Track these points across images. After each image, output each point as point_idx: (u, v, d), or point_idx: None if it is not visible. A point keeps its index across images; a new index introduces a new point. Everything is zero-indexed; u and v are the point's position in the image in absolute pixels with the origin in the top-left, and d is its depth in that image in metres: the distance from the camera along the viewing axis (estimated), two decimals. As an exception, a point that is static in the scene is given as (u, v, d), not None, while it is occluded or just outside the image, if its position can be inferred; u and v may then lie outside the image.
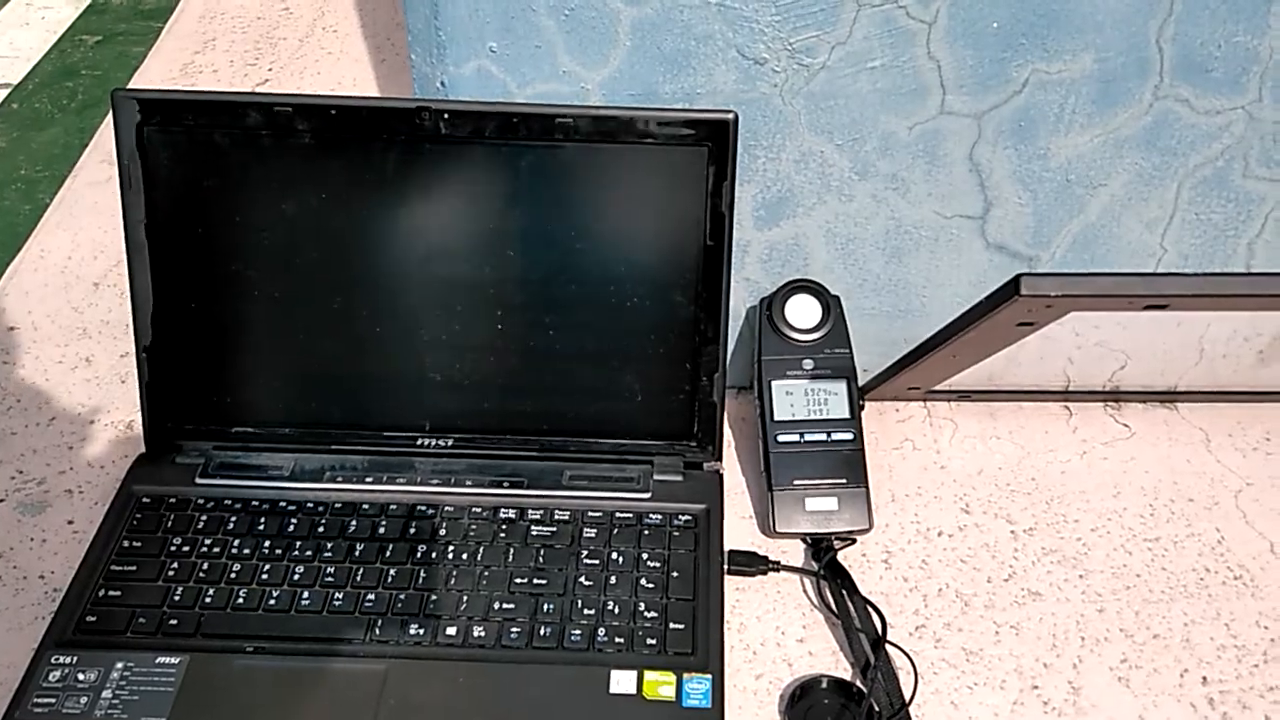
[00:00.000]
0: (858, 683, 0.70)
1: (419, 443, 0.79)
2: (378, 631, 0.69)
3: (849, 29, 0.73)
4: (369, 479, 0.78)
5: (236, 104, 0.73)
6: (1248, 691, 0.70)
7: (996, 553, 0.79)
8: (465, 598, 0.71)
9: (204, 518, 0.75)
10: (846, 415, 0.80)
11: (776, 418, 0.80)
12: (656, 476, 0.78)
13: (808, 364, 0.81)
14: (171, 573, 0.72)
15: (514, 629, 0.69)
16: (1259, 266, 0.83)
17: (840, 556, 0.77)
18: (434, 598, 0.71)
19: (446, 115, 0.72)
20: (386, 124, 0.72)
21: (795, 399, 0.80)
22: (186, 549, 0.73)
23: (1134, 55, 0.74)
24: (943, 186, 0.80)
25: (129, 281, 0.75)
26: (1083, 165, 0.79)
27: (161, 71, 1.22)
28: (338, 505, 0.76)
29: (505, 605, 0.71)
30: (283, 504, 0.76)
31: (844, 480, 0.78)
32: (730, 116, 0.71)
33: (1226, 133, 0.77)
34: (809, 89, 0.75)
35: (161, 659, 0.67)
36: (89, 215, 1.04)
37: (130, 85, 1.22)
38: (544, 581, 0.72)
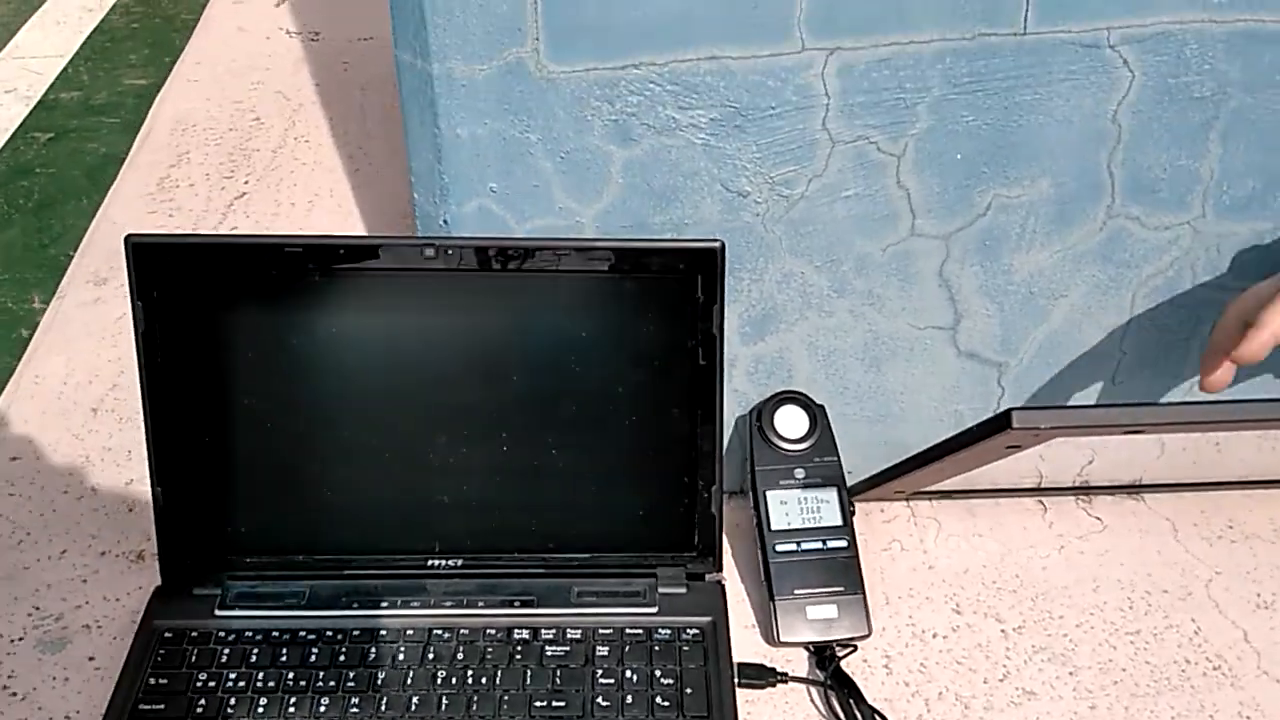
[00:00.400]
0: (869, 785, 0.73)
1: (429, 564, 0.82)
2: (405, 760, 0.71)
3: (825, 163, 0.79)
4: (384, 603, 0.80)
5: (248, 246, 0.76)
6: (1235, 773, 0.74)
7: (990, 653, 0.83)
8: (487, 721, 0.73)
9: (227, 651, 0.77)
10: (839, 522, 0.84)
11: (774, 527, 0.84)
12: (661, 589, 0.81)
13: (799, 473, 0.85)
14: (200, 710, 0.74)
15: (536, 751, 0.72)
16: (1211, 365, 0.89)
17: (844, 665, 0.80)
18: (456, 722, 0.73)
19: (450, 250, 0.76)
20: (393, 259, 0.76)
21: (790, 508, 0.84)
22: (212, 684, 0.75)
23: (1087, 180, 0.81)
24: (915, 301, 0.85)
25: (144, 420, 0.78)
26: (1044, 279, 0.85)
27: (138, 187, 1.25)
28: (356, 633, 0.78)
29: (527, 727, 0.73)
30: (302, 633, 0.78)
31: (842, 588, 0.82)
32: (717, 245, 0.76)
33: (1175, 245, 0.84)
34: (789, 217, 0.81)
35: (196, 794, 0.69)
36: (81, 338, 1.07)
37: (105, 202, 1.24)
38: (562, 704, 0.75)
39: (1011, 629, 0.85)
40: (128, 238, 0.76)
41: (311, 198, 1.23)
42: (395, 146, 0.78)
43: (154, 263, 0.75)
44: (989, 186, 0.80)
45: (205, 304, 0.76)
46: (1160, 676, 0.81)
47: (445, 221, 0.80)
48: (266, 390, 0.79)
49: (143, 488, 0.81)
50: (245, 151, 1.32)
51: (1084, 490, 0.95)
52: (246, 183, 1.26)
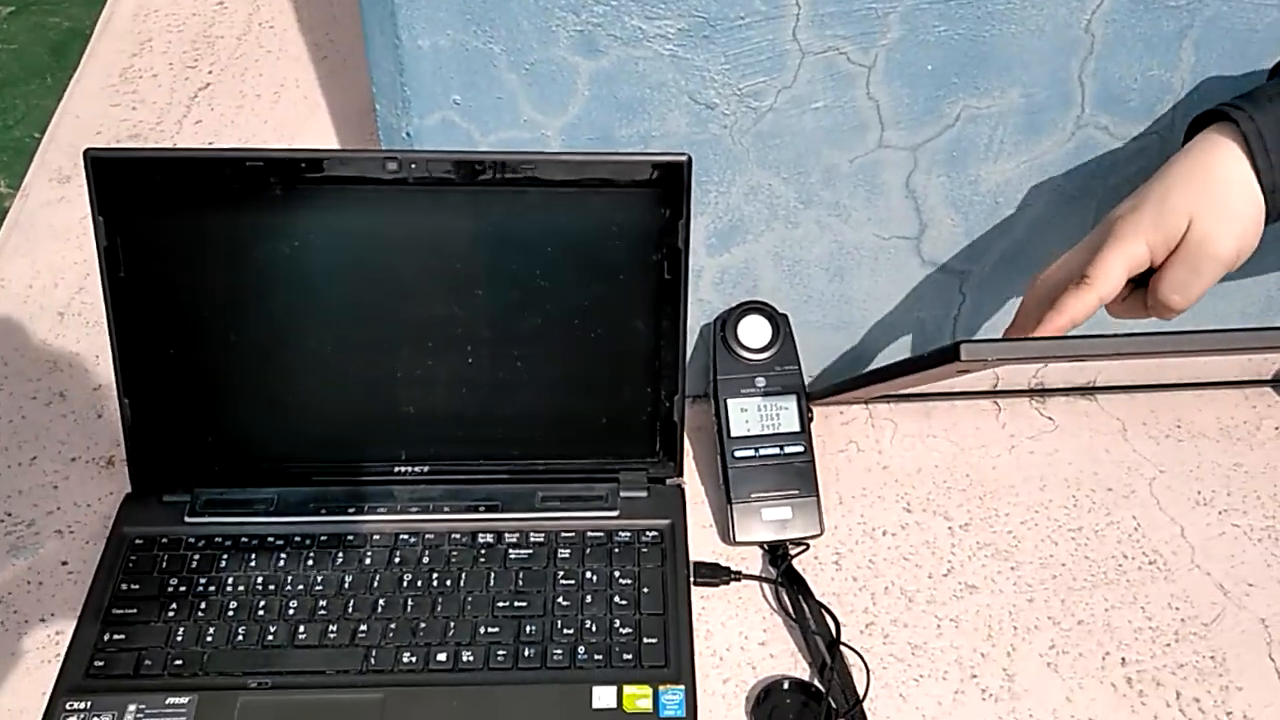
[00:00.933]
0: (816, 682, 0.77)
1: (396, 471, 0.83)
2: (373, 661, 0.74)
3: (794, 74, 0.77)
4: (351, 509, 0.82)
5: (209, 160, 0.75)
6: (1161, 670, 0.79)
7: (936, 549, 0.86)
8: (452, 624, 0.76)
9: (197, 557, 0.79)
10: (797, 429, 0.86)
11: (733, 434, 0.85)
12: (623, 493, 0.84)
13: (760, 381, 0.87)
14: (172, 613, 0.76)
15: (500, 651, 0.75)
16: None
17: (795, 562, 0.83)
18: (423, 625, 0.76)
19: (414, 164, 0.75)
20: (356, 173, 0.75)
21: (750, 415, 0.86)
22: (183, 589, 0.77)
23: (1058, 90, 0.80)
24: (881, 212, 0.85)
25: (109, 332, 0.78)
26: (1010, 189, 0.85)
27: (100, 78, 1.21)
28: (323, 538, 0.80)
29: (490, 629, 0.76)
30: (271, 539, 0.80)
31: (797, 491, 0.85)
32: (684, 159, 0.75)
33: (1141, 155, 0.83)
34: (757, 129, 0.80)
35: (171, 699, 0.72)
36: (46, 240, 1.05)
37: (67, 96, 1.20)
38: (525, 604, 0.77)
39: (958, 526, 0.88)
40: (87, 152, 0.74)
41: (277, 88, 1.20)
42: (361, 32, 0.76)
43: (114, 176, 0.74)
44: (959, 97, 0.79)
45: (168, 217, 0.75)
46: (1098, 570, 0.85)
47: (408, 134, 0.78)
48: (232, 302, 0.78)
49: (112, 394, 0.81)
50: (209, 39, 1.27)
51: (1039, 392, 0.97)
52: (210, 73, 1.22)
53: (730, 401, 0.86)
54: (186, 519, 0.81)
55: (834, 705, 0.74)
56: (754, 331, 0.88)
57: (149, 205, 0.75)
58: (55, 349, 0.96)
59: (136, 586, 0.78)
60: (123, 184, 0.74)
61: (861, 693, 0.75)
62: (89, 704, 0.72)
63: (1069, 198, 0.86)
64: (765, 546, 0.85)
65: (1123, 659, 0.79)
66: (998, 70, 0.78)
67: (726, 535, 0.85)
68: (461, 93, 0.76)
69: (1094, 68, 0.79)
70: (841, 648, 0.78)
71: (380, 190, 0.75)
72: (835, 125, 0.80)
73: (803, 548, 0.84)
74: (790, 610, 0.81)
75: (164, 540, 0.80)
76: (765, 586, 0.83)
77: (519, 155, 0.75)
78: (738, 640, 0.80)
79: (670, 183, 0.76)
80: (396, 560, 0.79)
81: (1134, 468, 0.92)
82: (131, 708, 0.71)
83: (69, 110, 1.19)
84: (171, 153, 0.76)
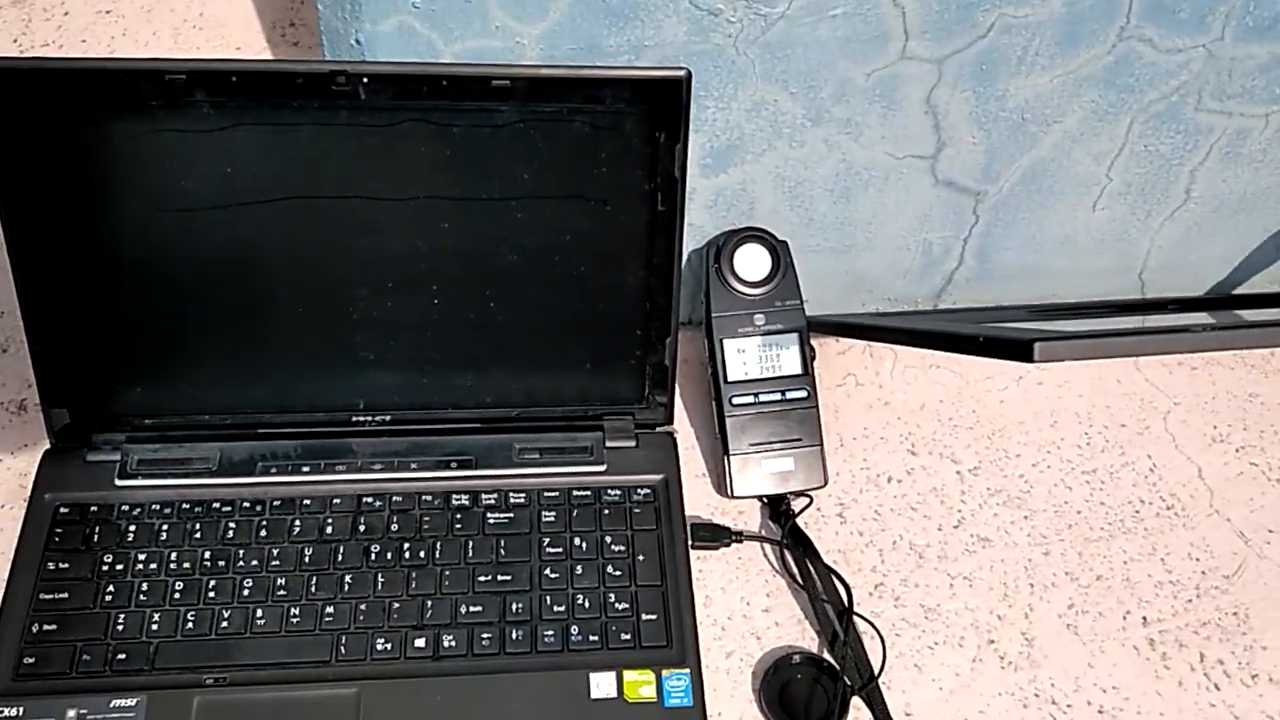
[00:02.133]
0: (827, 655, 0.71)
1: (354, 421, 0.74)
2: (343, 650, 0.67)
3: (811, -24, 0.67)
4: (305, 467, 0.73)
5: (119, 71, 0.63)
6: (1183, 629, 0.74)
7: (945, 497, 0.80)
8: (430, 603, 0.69)
9: (133, 528, 0.70)
10: (800, 371, 0.78)
11: (730, 378, 0.77)
12: (609, 443, 0.76)
13: (759, 319, 0.78)
14: (109, 597, 0.67)
15: (485, 634, 0.68)
16: (1197, 192, 0.83)
17: (798, 516, 0.77)
18: (396, 606, 0.68)
19: (366, 79, 0.64)
20: (298, 89, 0.63)
21: (748, 357, 0.78)
22: (120, 567, 0.69)
23: (1102, -3, 0.70)
24: (897, 129, 0.76)
25: (10, 264, 0.67)
26: (1039, 104, 0.76)
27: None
28: (276, 502, 0.72)
29: (472, 608, 0.69)
30: (216, 504, 0.71)
31: (800, 439, 0.77)
32: (682, 74, 0.65)
33: (1185, 70, 0.75)
34: (765, 39, 0.69)
35: (117, 701, 0.64)
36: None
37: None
38: (508, 577, 0.70)
39: (967, 470, 0.82)
40: None
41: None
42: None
43: (8, 90, 0.62)
44: (995, 5, 0.70)
45: (73, 139, 0.64)
46: (1114, 519, 0.80)
47: (358, 42, 0.67)
48: (157, 237, 0.68)
49: (19, 322, 0.70)
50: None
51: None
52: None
53: (727, 342, 0.78)
54: (118, 482, 0.71)
55: (849, 683, 0.69)
56: (752, 262, 0.79)
57: (51, 125, 0.63)
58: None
59: (66, 566, 0.68)
60: (18, 99, 0.62)
61: (876, 668, 0.70)
62: (20, 710, 0.63)
63: (1101, 114, 0.77)
64: (765, 500, 0.78)
65: (1144, 618, 0.75)
66: (1039, -28, 0.69)
67: (722, 487, 0.78)
68: (424, -5, 0.65)
69: (1144, -30, 0.70)
70: (854, 617, 0.72)
71: (327, 108, 0.64)
72: (854, 35, 0.70)
73: (806, 501, 0.78)
74: (796, 574, 0.74)
75: (94, 509, 0.71)
76: (768, 547, 0.76)
77: (489, 68, 0.64)
78: (739, 608, 0.74)
79: (666, 102, 0.66)
80: (361, 528, 0.71)
81: (1147, 400, 0.87)
82: (71, 714, 0.63)
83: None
84: (76, 62, 0.64)
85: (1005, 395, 0.86)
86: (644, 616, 0.69)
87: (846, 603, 0.72)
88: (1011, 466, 0.82)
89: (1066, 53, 0.73)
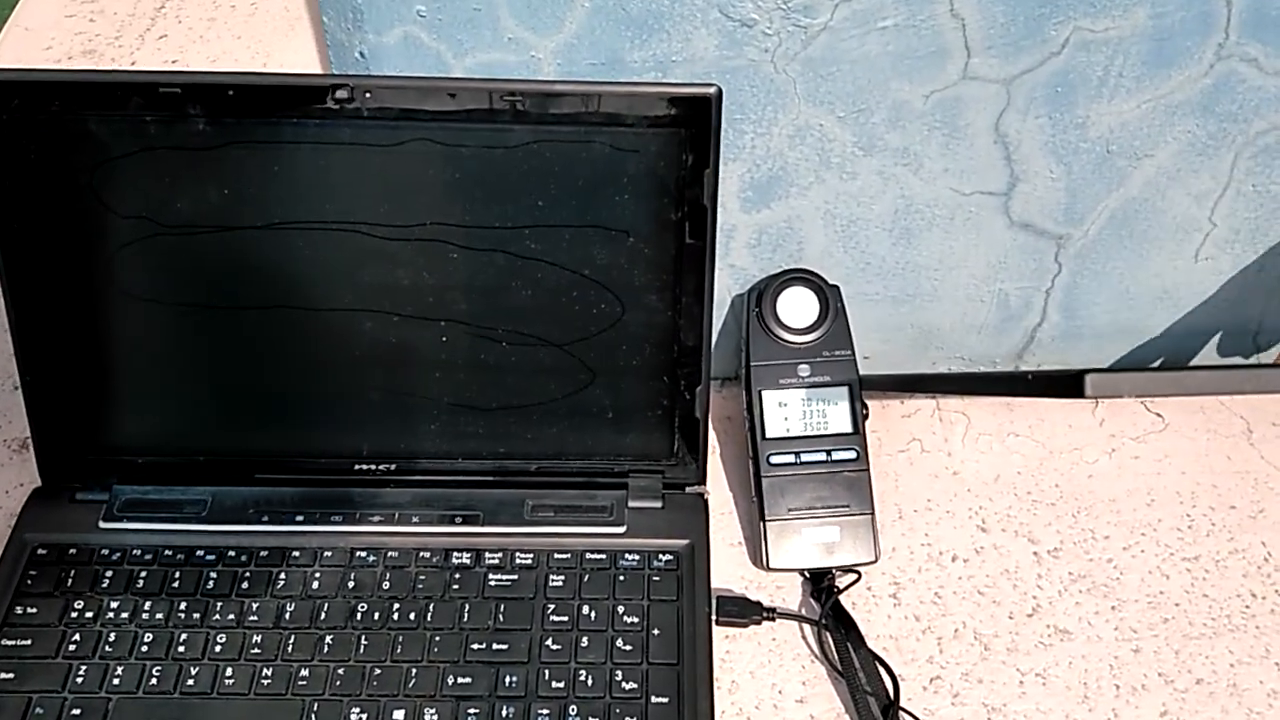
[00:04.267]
0: (866, 756, 0.61)
1: (356, 469, 0.69)
2: (314, 718, 0.60)
3: (856, -17, 0.60)
4: (299, 517, 0.68)
5: (113, 85, 0.60)
6: (1302, 748, 0.63)
7: (1018, 580, 0.70)
8: (414, 671, 0.62)
9: (109, 573, 0.65)
10: (849, 429, 0.70)
11: (769, 435, 0.70)
12: (632, 503, 0.68)
13: (804, 370, 0.71)
14: (73, 647, 0.62)
15: (471, 709, 0.60)
16: (1320, 240, 0.73)
17: (845, 594, 0.68)
18: (377, 672, 0.61)
19: (369, 93, 0.60)
20: (297, 105, 0.59)
21: (790, 412, 0.70)
22: (90, 615, 0.63)
23: (1196, 9, 0.62)
24: (962, 161, 0.68)
25: (4, 298, 0.64)
26: (1126, 134, 0.67)
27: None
28: (264, 553, 0.66)
29: (460, 679, 0.61)
30: (200, 552, 0.66)
31: (846, 506, 0.69)
32: (712, 92, 0.59)
33: (1298, 95, 0.66)
34: (807, 54, 0.63)
35: (62, 763, 0.58)
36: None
37: (20, 5, 1.06)
38: (505, 646, 0.63)
39: (1046, 552, 0.72)
40: None
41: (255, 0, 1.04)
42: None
43: (5, 105, 0.59)
44: (1068, 16, 0.62)
45: (69, 156, 0.61)
46: (1220, 614, 0.69)
47: (362, 54, 0.63)
48: (153, 265, 0.64)
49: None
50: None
51: (1145, 382, 0.80)
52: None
53: (766, 394, 0.70)
54: (101, 524, 0.67)
55: (888, 789, 0.59)
56: (797, 307, 0.71)
57: (46, 141, 0.60)
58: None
59: (34, 610, 0.64)
60: (12, 114, 0.60)
61: (923, 773, 0.60)
62: (-41, 766, 0.58)
63: (1200, 147, 0.68)
64: (806, 574, 0.69)
65: (1253, 733, 0.63)
66: (1121, -19, 0.61)
67: (758, 558, 0.70)
68: (428, 2, 0.60)
69: (1246, -21, 0.61)
70: (901, 713, 0.62)
71: (329, 125, 0.61)
72: (907, 50, 0.63)
73: (853, 577, 0.69)
74: (836, 659, 0.65)
75: (72, 551, 0.66)
76: (806, 627, 0.67)
77: (501, 84, 0.60)
78: (769, 696, 0.65)
79: (694, 122, 0.60)
80: (350, 585, 0.65)
81: (1262, 480, 0.76)
82: (12, 773, 0.58)
83: (19, 22, 1.04)
84: (71, 75, 0.61)
85: (1094, 469, 0.76)
86: (654, 699, 0.61)
87: (893, 696, 0.63)
88: (1099, 549, 0.72)
89: (1155, 74, 0.65)
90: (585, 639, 0.63)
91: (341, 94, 0.60)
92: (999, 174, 0.69)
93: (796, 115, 0.65)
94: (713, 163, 0.61)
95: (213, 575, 0.65)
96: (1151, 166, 0.69)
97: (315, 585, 0.65)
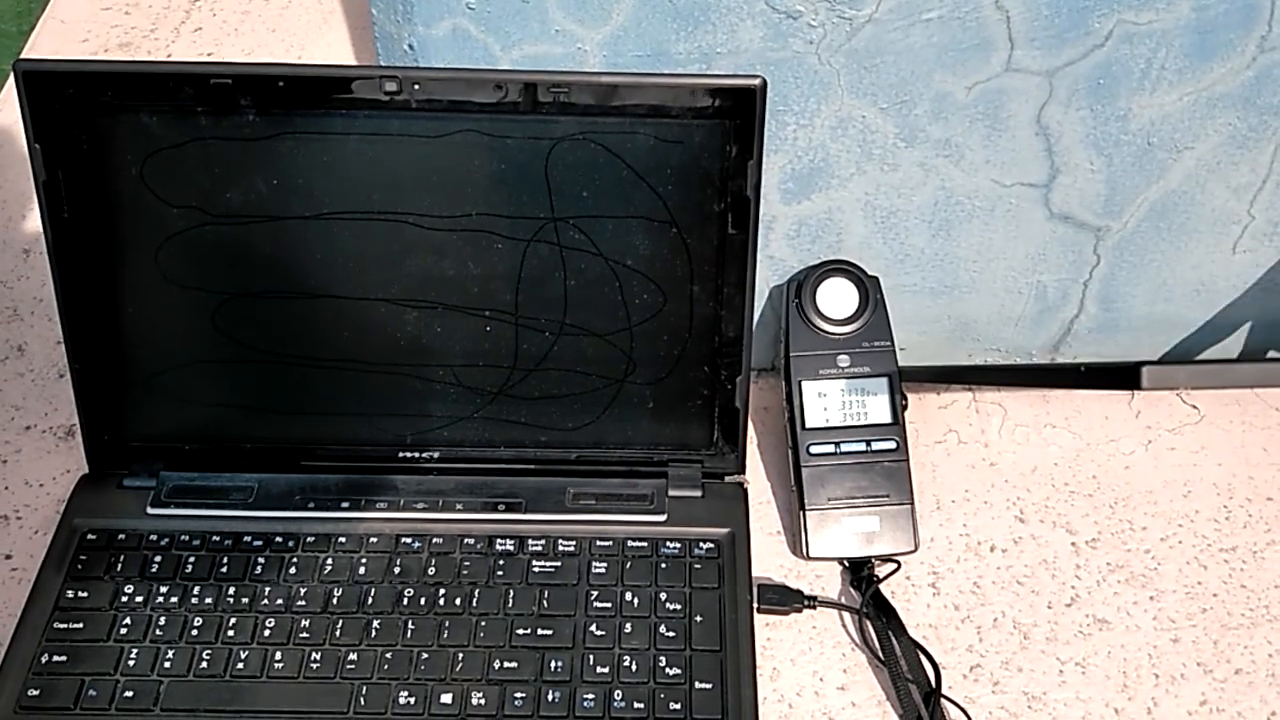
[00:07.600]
0: (908, 743, 0.62)
1: (400, 457, 0.69)
2: (362, 702, 0.61)
3: (901, -25, 0.60)
4: (345, 503, 0.68)
5: (165, 75, 0.61)
6: (1342, 738, 0.63)
7: (1057, 571, 0.70)
8: (461, 655, 0.62)
9: (159, 558, 0.66)
10: (889, 419, 0.70)
11: (808, 425, 0.70)
12: (672, 492, 0.69)
13: (843, 360, 0.71)
14: (124, 630, 0.63)
15: (518, 694, 0.61)
16: (1360, 233, 0.73)
17: (884, 584, 0.68)
18: (425, 656, 0.62)
19: (417, 85, 0.60)
20: (347, 95, 0.60)
21: (829, 402, 0.70)
22: (140, 599, 0.64)
23: (1239, 2, 0.62)
24: (1003, 153, 0.68)
25: (54, 286, 0.65)
26: (1167, 127, 0.67)
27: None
28: (310, 539, 0.67)
29: (507, 664, 0.62)
30: (248, 538, 0.67)
31: (886, 495, 0.69)
32: (756, 83, 0.60)
33: (1341, 88, 0.66)
34: (851, 46, 0.63)
35: (117, 741, 0.59)
36: (15, 163, 0.91)
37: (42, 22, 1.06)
38: (549, 632, 0.63)
39: (1084, 542, 0.72)
40: (17, 64, 0.61)
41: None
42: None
43: (53, 95, 0.60)
44: (1113, 9, 0.62)
45: (119, 149, 0.62)
46: (1258, 605, 0.69)
47: (411, 46, 0.64)
48: (201, 254, 0.65)
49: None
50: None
51: (1181, 374, 0.80)
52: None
53: (806, 385, 0.71)
54: (150, 510, 0.68)
55: (930, 775, 0.60)
56: (837, 298, 0.72)
57: (97, 132, 0.61)
58: (17, 294, 0.83)
59: (85, 595, 0.65)
60: (65, 104, 0.61)
61: (965, 760, 0.61)
62: (17, 744, 0.59)
63: (1241, 140, 0.68)
64: (846, 563, 0.70)
65: (1293, 722, 0.63)
66: (1166, -27, 0.61)
67: (797, 547, 0.70)
68: (478, -6, 0.61)
69: (1291, -30, 0.61)
70: (942, 700, 0.62)
71: (377, 116, 0.61)
72: (951, 42, 0.63)
73: (893, 567, 0.69)
74: (878, 648, 0.66)
75: (121, 536, 0.67)
76: (846, 615, 0.68)
77: (548, 75, 0.61)
78: (811, 683, 0.65)
79: (739, 113, 0.61)
80: (396, 571, 0.66)
81: (1300, 472, 0.76)
82: (67, 751, 0.59)
83: (55, 14, 1.05)
84: (122, 65, 0.62)
85: (1132, 460, 0.76)
86: (698, 685, 0.61)
87: (934, 684, 0.63)
88: (1136, 540, 0.72)
89: (1198, 66, 0.65)
90: (629, 625, 0.64)
91: (390, 86, 0.60)
92: (1040, 166, 0.69)
93: (839, 107, 0.66)
94: (756, 154, 0.61)
95: (260, 560, 0.66)
96: (1191, 159, 0.69)
97: (362, 571, 0.66)
